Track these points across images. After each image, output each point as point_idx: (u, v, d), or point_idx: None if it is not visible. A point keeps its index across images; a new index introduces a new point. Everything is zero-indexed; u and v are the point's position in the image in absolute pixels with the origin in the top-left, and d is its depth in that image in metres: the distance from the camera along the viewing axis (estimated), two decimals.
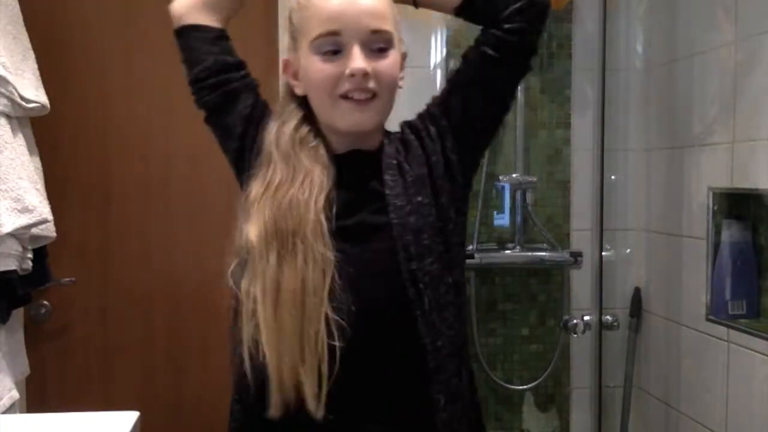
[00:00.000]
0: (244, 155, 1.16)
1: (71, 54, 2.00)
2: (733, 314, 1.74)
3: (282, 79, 1.21)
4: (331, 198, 1.07)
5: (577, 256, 2.08)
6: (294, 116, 1.14)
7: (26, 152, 1.70)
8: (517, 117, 2.09)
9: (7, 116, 1.65)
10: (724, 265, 1.75)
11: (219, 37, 1.18)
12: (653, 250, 2.10)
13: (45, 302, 1.99)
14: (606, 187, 2.00)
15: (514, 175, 2.08)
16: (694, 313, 1.86)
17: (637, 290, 2.16)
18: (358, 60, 1.05)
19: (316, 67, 1.08)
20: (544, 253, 2.11)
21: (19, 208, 1.60)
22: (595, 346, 2.07)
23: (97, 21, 2.01)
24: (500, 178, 2.09)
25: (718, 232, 1.78)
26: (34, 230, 1.67)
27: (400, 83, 1.13)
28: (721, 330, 1.75)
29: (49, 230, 1.73)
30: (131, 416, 1.25)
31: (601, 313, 2.04)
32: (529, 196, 2.11)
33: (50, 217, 1.71)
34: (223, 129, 1.19)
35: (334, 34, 1.06)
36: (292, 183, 1.07)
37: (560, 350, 2.14)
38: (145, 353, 2.06)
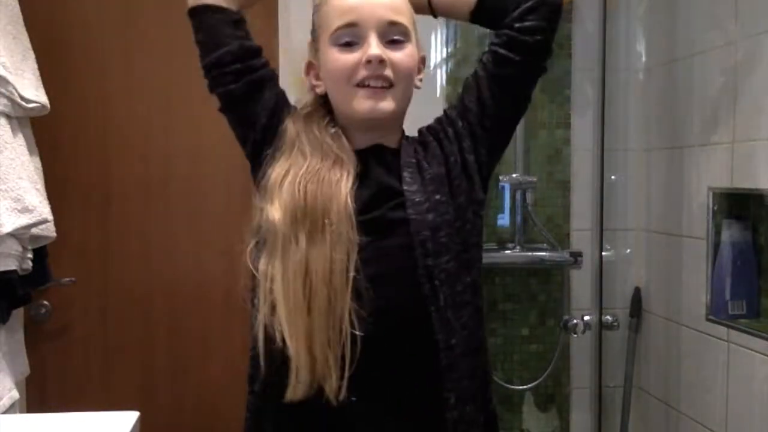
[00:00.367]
0: (264, 147, 1.15)
1: (71, 54, 2.00)
2: (733, 314, 1.74)
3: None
4: (354, 185, 1.08)
5: (577, 256, 2.08)
6: (319, 110, 1.16)
7: (26, 152, 1.69)
8: None
9: (7, 116, 1.65)
10: (724, 265, 1.75)
11: (240, 20, 1.17)
12: (653, 250, 2.10)
13: (45, 302, 1.99)
14: (606, 187, 2.00)
15: (514, 175, 2.08)
16: (694, 313, 1.86)
17: (637, 290, 2.16)
18: (374, 47, 1.07)
19: (334, 57, 1.10)
20: (544, 253, 2.11)
21: (19, 208, 1.60)
22: (595, 346, 2.07)
23: (97, 21, 2.01)
24: (500, 178, 2.09)
25: (718, 232, 1.78)
26: (34, 230, 1.67)
27: (418, 83, 1.15)
28: (721, 330, 1.75)
29: (49, 230, 1.72)
30: (131, 416, 1.25)
31: (601, 313, 2.04)
32: (529, 196, 2.11)
33: (50, 217, 1.70)
34: (245, 119, 1.16)
35: (351, 25, 1.08)
36: (322, 165, 1.08)
37: (560, 350, 2.14)
38: (145, 353, 2.06)
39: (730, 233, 1.75)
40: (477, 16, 1.18)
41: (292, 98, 1.21)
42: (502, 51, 1.13)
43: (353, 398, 1.03)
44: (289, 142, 1.12)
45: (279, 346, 1.03)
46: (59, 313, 2.01)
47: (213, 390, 2.08)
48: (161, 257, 2.06)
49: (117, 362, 2.05)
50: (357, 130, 1.14)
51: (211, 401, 2.08)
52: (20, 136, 1.70)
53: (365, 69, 1.08)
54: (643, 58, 2.15)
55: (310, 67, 1.18)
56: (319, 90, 1.16)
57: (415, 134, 1.21)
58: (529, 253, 2.11)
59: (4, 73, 1.61)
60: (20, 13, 1.75)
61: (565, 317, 2.14)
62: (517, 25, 1.12)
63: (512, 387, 2.15)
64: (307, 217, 1.04)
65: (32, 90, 1.72)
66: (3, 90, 1.62)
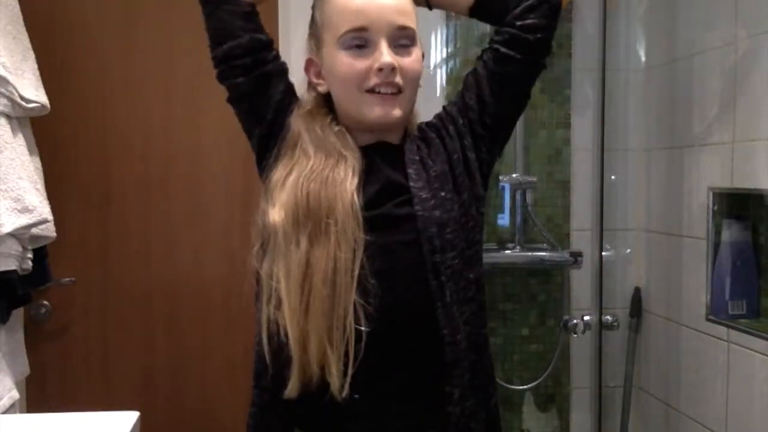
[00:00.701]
0: (269, 141, 1.15)
1: (71, 54, 2.00)
2: (733, 314, 1.74)
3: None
4: (360, 182, 1.08)
5: (577, 256, 2.08)
6: (319, 107, 1.16)
7: (26, 152, 1.69)
8: None
9: (7, 116, 1.65)
10: (724, 265, 1.75)
11: (252, 12, 1.15)
12: (653, 250, 2.10)
13: (45, 302, 1.99)
14: (606, 187, 2.00)
15: (514, 175, 2.08)
16: (694, 313, 1.86)
17: (637, 290, 2.16)
18: (386, 55, 1.07)
19: (344, 61, 1.09)
20: (544, 253, 2.11)
21: (19, 208, 1.60)
22: (595, 346, 2.07)
23: (97, 21, 2.01)
24: (500, 178, 2.09)
25: (718, 232, 1.78)
26: (34, 230, 1.67)
27: (420, 81, 1.16)
28: (721, 330, 1.75)
29: (49, 230, 1.72)
30: (131, 416, 1.25)
31: (601, 313, 2.04)
32: (529, 196, 2.11)
33: (50, 217, 1.70)
34: (252, 113, 1.16)
35: (361, 29, 1.08)
36: (326, 164, 1.08)
37: (560, 350, 2.14)
38: (145, 353, 2.06)
39: (730, 233, 1.75)
40: (476, 11, 1.19)
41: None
42: (503, 49, 1.14)
43: (356, 395, 1.03)
44: (292, 141, 1.12)
45: (283, 342, 1.04)
46: (59, 313, 2.01)
47: (213, 390, 2.08)
48: (161, 257, 2.06)
49: (117, 362, 2.05)
50: (361, 130, 1.14)
51: (211, 401, 2.08)
52: (20, 136, 1.70)
53: (377, 76, 1.08)
54: (643, 58, 2.15)
55: (311, 65, 1.17)
56: (321, 89, 1.16)
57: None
58: (529, 253, 2.11)
59: (4, 73, 1.61)
60: (20, 13, 1.75)
61: (565, 317, 2.14)
62: (518, 23, 1.13)
63: (512, 387, 2.15)
64: (309, 218, 1.05)
65: (32, 90, 1.72)
66: (3, 90, 1.62)
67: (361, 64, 1.09)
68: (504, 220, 2.14)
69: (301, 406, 1.07)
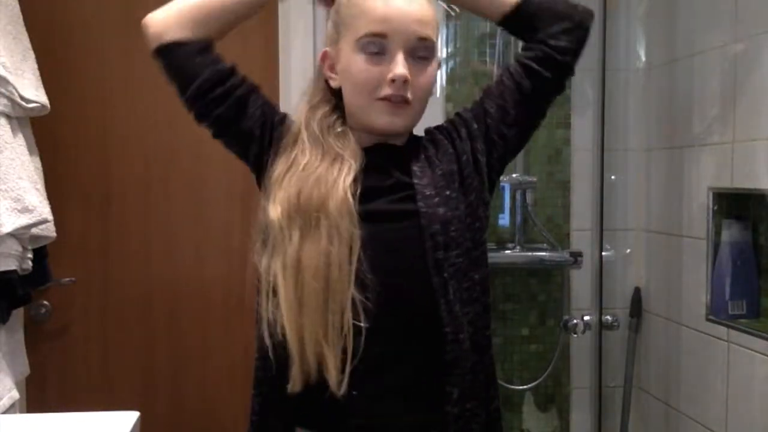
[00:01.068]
0: (263, 157, 1.15)
1: (71, 54, 2.00)
2: (733, 314, 1.74)
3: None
4: (357, 182, 1.09)
5: (577, 256, 2.08)
6: (325, 104, 1.16)
7: (26, 152, 1.69)
8: None
9: (7, 116, 1.65)
10: (724, 265, 1.75)
11: (206, 47, 1.16)
12: (653, 250, 2.10)
13: (45, 302, 1.99)
14: (606, 187, 2.00)
15: (514, 175, 2.08)
16: (694, 313, 1.86)
17: (637, 290, 2.16)
18: (400, 66, 1.08)
19: (360, 66, 1.10)
20: (544, 253, 2.11)
21: (19, 208, 1.60)
22: (595, 346, 2.07)
23: (97, 21, 2.01)
24: (500, 178, 2.08)
25: (718, 232, 1.78)
26: (34, 230, 1.67)
27: (432, 90, 1.16)
28: (721, 330, 1.75)
29: (49, 230, 1.72)
30: (131, 416, 1.25)
31: (601, 313, 2.04)
32: (529, 196, 2.11)
33: (50, 217, 1.71)
34: (240, 137, 1.17)
35: (381, 36, 1.08)
36: (321, 162, 1.09)
37: (560, 350, 2.14)
38: (145, 353, 2.06)
39: (730, 233, 1.75)
40: (509, 22, 1.19)
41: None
42: (533, 65, 1.15)
43: (354, 392, 1.03)
44: (292, 139, 1.13)
45: (282, 337, 1.05)
46: (59, 313, 2.01)
47: (213, 390, 2.08)
48: (161, 257, 2.06)
49: (117, 362, 2.05)
50: (366, 131, 1.15)
51: (211, 401, 2.08)
52: (20, 136, 1.70)
53: (389, 87, 1.09)
54: (643, 58, 2.15)
55: (326, 57, 1.17)
56: (333, 84, 1.16)
57: (421, 134, 1.22)
58: (529, 253, 2.11)
59: (4, 73, 1.61)
60: (20, 13, 1.75)
61: (565, 317, 2.14)
62: (552, 42, 1.15)
63: (512, 387, 2.15)
64: (300, 214, 1.06)
65: (32, 90, 1.72)
66: (3, 90, 1.62)
67: (375, 71, 1.09)
68: (504, 220, 2.14)
69: (302, 402, 1.07)
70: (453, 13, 2.03)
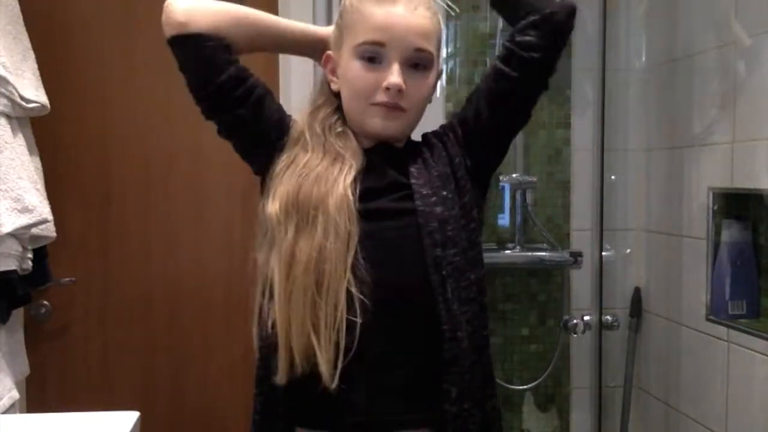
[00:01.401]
0: (272, 160, 1.14)
1: (71, 54, 2.00)
2: (733, 314, 1.74)
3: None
4: (357, 181, 1.09)
5: (577, 256, 2.08)
6: (327, 105, 1.17)
7: (26, 152, 1.69)
8: None
9: (7, 116, 1.65)
10: (724, 265, 1.75)
11: (229, 45, 1.14)
12: (653, 250, 2.10)
13: (45, 302, 1.99)
14: (606, 187, 2.00)
15: (514, 175, 2.08)
16: (694, 313, 1.86)
17: (637, 290, 2.16)
18: (395, 75, 1.08)
19: (356, 72, 1.11)
20: (544, 253, 2.11)
21: (19, 208, 1.60)
22: (595, 346, 2.07)
23: (97, 21, 2.01)
24: (500, 178, 2.09)
25: (718, 232, 1.78)
26: (34, 230, 1.67)
27: (430, 99, 1.17)
28: (721, 330, 1.75)
29: (49, 230, 1.72)
30: (131, 416, 1.25)
31: (601, 313, 2.04)
32: (529, 196, 2.11)
33: (50, 217, 1.70)
34: (254, 138, 1.16)
35: (378, 44, 1.09)
36: (322, 161, 1.10)
37: (560, 350, 2.14)
38: (145, 353, 2.06)
39: (730, 233, 1.75)
40: (494, 5, 1.19)
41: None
42: (500, 65, 1.13)
43: (343, 386, 1.04)
44: (294, 138, 1.14)
45: (272, 329, 1.06)
46: (59, 313, 2.01)
47: (213, 390, 2.08)
48: (161, 257, 2.05)
49: (117, 362, 2.05)
50: (363, 135, 1.16)
51: (211, 401, 2.08)
52: (20, 136, 1.70)
53: (384, 94, 1.09)
54: (643, 58, 2.15)
55: (329, 60, 1.18)
56: (334, 87, 1.17)
57: (419, 139, 1.23)
58: (529, 253, 2.11)
59: (4, 73, 1.61)
60: (20, 13, 1.75)
61: (565, 317, 2.14)
62: (517, 38, 1.11)
63: (512, 387, 2.15)
64: (297, 210, 1.06)
65: (32, 90, 1.72)
66: (3, 90, 1.62)
67: (371, 77, 1.10)
68: (504, 220, 2.14)
69: (301, 401, 1.08)
70: (453, 13, 2.03)
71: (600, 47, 1.96)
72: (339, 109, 1.17)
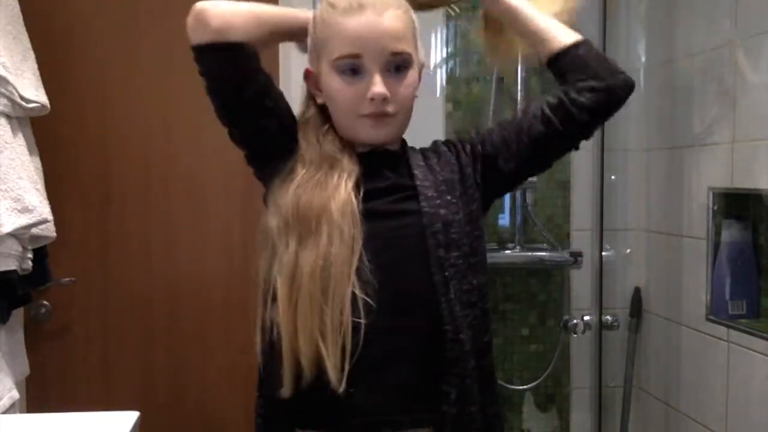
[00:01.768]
0: (281, 166, 1.14)
1: (71, 54, 2.00)
2: (733, 314, 1.74)
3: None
4: (359, 184, 1.09)
5: (577, 256, 2.08)
6: (317, 116, 1.17)
7: (26, 152, 1.69)
8: None
9: (7, 116, 1.65)
10: (724, 265, 1.75)
11: (258, 53, 1.12)
12: (653, 250, 2.10)
13: (45, 302, 1.99)
14: (606, 187, 2.00)
15: None
16: (694, 313, 1.86)
17: (637, 290, 2.16)
18: (378, 85, 1.08)
19: (338, 87, 1.11)
20: (544, 253, 2.11)
21: (19, 208, 1.60)
22: (595, 346, 2.07)
23: (97, 21, 2.01)
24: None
25: (718, 232, 1.78)
26: (34, 230, 1.67)
27: (416, 94, 1.16)
28: (721, 330, 1.75)
29: (49, 230, 1.72)
30: (131, 416, 1.25)
31: (601, 313, 2.04)
32: (529, 196, 2.11)
33: (50, 217, 1.70)
34: (275, 147, 1.14)
35: (355, 57, 1.09)
36: (320, 169, 1.10)
37: (560, 350, 2.14)
38: (145, 353, 2.06)
39: (730, 233, 1.75)
40: (552, 65, 1.20)
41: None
42: (548, 111, 1.15)
43: (351, 389, 1.04)
44: (295, 152, 1.14)
45: (276, 341, 1.06)
46: (59, 313, 2.01)
47: (213, 390, 2.08)
48: (161, 257, 2.05)
49: (117, 362, 2.05)
50: (357, 144, 1.16)
51: (211, 401, 2.08)
52: (20, 136, 1.70)
53: (369, 106, 1.09)
54: (643, 58, 2.15)
55: (310, 75, 1.18)
56: (319, 100, 1.17)
57: (418, 143, 1.24)
58: (529, 253, 2.11)
59: (4, 73, 1.61)
60: (20, 13, 1.75)
61: (565, 317, 2.14)
62: (573, 95, 1.14)
63: (512, 387, 2.15)
64: (299, 222, 1.06)
65: (32, 90, 1.72)
66: (3, 90, 1.62)
67: (354, 90, 1.10)
68: (504, 220, 2.14)
69: (303, 404, 1.08)
70: (453, 13, 2.03)
71: (600, 47, 1.96)
72: (327, 118, 1.17)
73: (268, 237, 1.09)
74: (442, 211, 1.11)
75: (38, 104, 1.72)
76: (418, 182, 1.14)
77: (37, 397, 1.98)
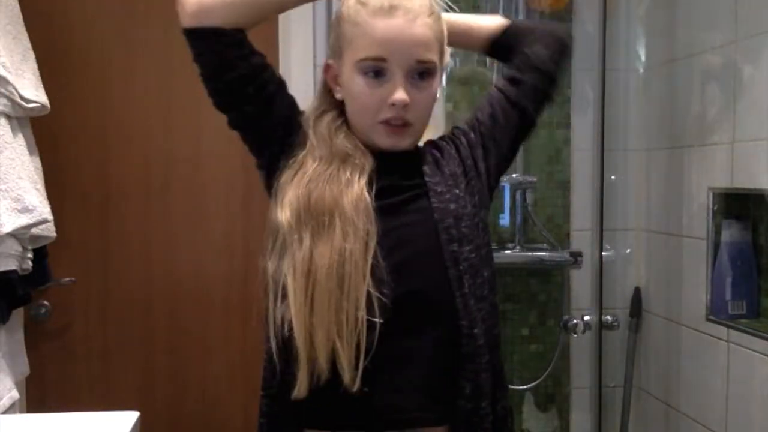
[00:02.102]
0: (280, 157, 1.14)
1: (71, 54, 2.00)
2: (733, 314, 1.74)
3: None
4: (371, 180, 1.09)
5: (577, 256, 2.08)
6: (331, 110, 1.17)
7: (26, 152, 1.69)
8: None
9: (7, 116, 1.65)
10: (724, 265, 1.75)
11: (243, 39, 1.12)
12: (653, 250, 2.10)
13: (45, 302, 1.99)
14: (606, 187, 2.00)
15: (514, 175, 2.08)
16: (694, 313, 1.86)
17: (637, 290, 2.16)
18: (400, 92, 1.08)
19: (361, 89, 1.10)
20: (544, 253, 2.11)
21: (19, 208, 1.60)
22: (595, 346, 2.07)
23: (97, 21, 2.01)
24: (500, 178, 2.09)
25: (718, 232, 1.78)
26: (34, 230, 1.67)
27: (436, 97, 1.18)
28: (721, 330, 1.75)
29: (49, 230, 1.72)
30: (131, 416, 1.25)
31: (601, 313, 2.04)
32: (529, 196, 2.11)
33: (50, 217, 1.70)
34: (261, 134, 1.15)
35: (380, 60, 1.08)
36: (331, 164, 1.09)
37: (560, 350, 2.14)
38: (145, 353, 2.06)
39: (730, 233, 1.75)
40: (494, 49, 1.26)
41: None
42: (514, 73, 1.21)
43: (365, 389, 1.03)
44: (300, 143, 1.13)
45: (289, 339, 1.04)
46: (59, 313, 2.01)
47: (213, 390, 2.08)
48: (161, 257, 2.06)
49: (117, 362, 2.05)
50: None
51: (211, 401, 2.08)
52: (20, 136, 1.70)
53: (389, 110, 1.09)
54: (643, 58, 2.15)
55: (330, 69, 1.17)
56: (338, 96, 1.16)
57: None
58: (529, 253, 2.11)
59: (4, 73, 1.61)
60: (20, 13, 1.75)
61: (565, 317, 2.14)
62: (527, 50, 1.21)
63: (512, 387, 2.14)
64: (312, 216, 1.05)
65: (32, 90, 1.72)
66: (3, 90, 1.62)
67: (375, 94, 1.09)
68: (504, 220, 2.14)
69: (311, 403, 1.06)
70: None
71: (600, 47, 1.96)
72: (343, 113, 1.16)
73: (278, 232, 1.07)
74: (452, 206, 1.12)
75: (38, 104, 1.72)
76: (427, 179, 1.14)
77: (37, 397, 1.98)
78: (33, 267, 1.72)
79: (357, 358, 1.02)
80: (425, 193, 1.13)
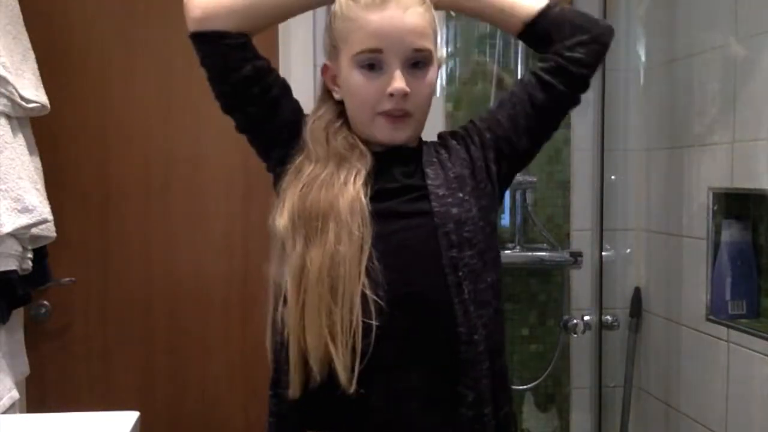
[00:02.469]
0: (286, 160, 1.14)
1: (71, 54, 2.00)
2: (733, 314, 1.74)
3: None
4: (368, 182, 1.09)
5: (577, 256, 2.08)
6: (330, 111, 1.17)
7: (26, 152, 1.69)
8: None
9: (7, 116, 1.65)
10: (724, 265, 1.75)
11: (247, 42, 1.13)
12: (653, 250, 2.10)
13: (45, 302, 1.99)
14: (606, 187, 2.00)
15: None
16: (694, 313, 1.86)
17: (637, 290, 2.16)
18: (398, 81, 1.08)
19: (358, 82, 1.10)
20: (544, 253, 2.11)
21: (19, 208, 1.60)
22: (595, 346, 2.07)
23: (97, 21, 2.01)
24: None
25: (718, 232, 1.78)
26: (34, 230, 1.67)
27: (435, 89, 1.17)
28: (721, 330, 1.75)
29: (49, 230, 1.72)
30: (131, 416, 1.25)
31: (601, 313, 2.04)
32: (529, 196, 2.11)
33: (50, 217, 1.70)
34: (267, 137, 1.16)
35: (376, 51, 1.08)
36: (327, 168, 1.09)
37: (560, 350, 2.14)
38: (145, 353, 2.06)
39: (730, 233, 1.75)
40: (527, 34, 1.19)
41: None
42: (546, 76, 1.15)
43: (362, 390, 1.03)
44: (301, 147, 1.14)
45: (285, 342, 1.05)
46: (59, 313, 2.01)
47: (213, 390, 2.08)
48: (161, 257, 2.06)
49: (117, 362, 2.05)
50: (373, 142, 1.16)
51: (211, 401, 2.08)
52: (20, 136, 1.70)
53: (389, 101, 1.09)
54: (643, 58, 2.15)
55: (327, 70, 1.18)
56: (336, 96, 1.17)
57: (432, 139, 1.23)
58: (529, 253, 2.11)
59: (4, 73, 1.61)
60: (20, 13, 1.75)
61: (565, 317, 2.14)
62: (567, 54, 1.14)
63: (512, 387, 2.13)
64: (306, 220, 1.06)
65: (32, 90, 1.72)
66: (3, 90, 1.62)
67: (373, 86, 1.09)
68: (504, 220, 2.14)
69: (314, 404, 1.07)
70: (453, 13, 2.03)
71: None
72: (341, 114, 1.16)
73: (277, 237, 1.08)
74: (454, 210, 1.10)
75: (38, 104, 1.72)
76: (429, 181, 1.12)
77: (37, 397, 1.98)
78: (33, 267, 1.72)
79: (353, 361, 1.02)
80: (426, 196, 1.11)
